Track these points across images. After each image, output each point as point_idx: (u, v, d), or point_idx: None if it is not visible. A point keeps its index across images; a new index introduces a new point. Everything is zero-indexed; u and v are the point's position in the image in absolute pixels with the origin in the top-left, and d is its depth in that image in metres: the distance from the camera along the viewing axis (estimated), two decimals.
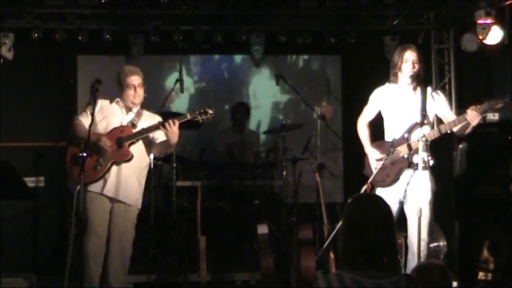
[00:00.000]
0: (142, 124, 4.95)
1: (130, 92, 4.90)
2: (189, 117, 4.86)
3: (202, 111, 4.87)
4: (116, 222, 4.87)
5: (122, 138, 4.83)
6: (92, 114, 4.68)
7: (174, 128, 4.75)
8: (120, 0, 7.31)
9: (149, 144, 5.00)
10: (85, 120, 4.90)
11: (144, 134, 4.88)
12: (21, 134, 7.34)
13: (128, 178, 4.88)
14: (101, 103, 4.97)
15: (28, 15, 7.33)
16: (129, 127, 4.90)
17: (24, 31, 7.37)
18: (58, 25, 7.41)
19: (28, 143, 6.94)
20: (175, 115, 6.71)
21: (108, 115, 4.92)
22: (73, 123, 4.95)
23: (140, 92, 4.95)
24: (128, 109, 4.99)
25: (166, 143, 4.93)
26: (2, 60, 7.34)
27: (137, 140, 4.89)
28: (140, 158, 4.96)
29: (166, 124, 4.76)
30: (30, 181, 6.29)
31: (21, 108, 7.65)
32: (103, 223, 4.83)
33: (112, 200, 4.85)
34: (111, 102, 5.00)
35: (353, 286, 2.55)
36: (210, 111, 4.88)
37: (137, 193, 4.97)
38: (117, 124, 4.91)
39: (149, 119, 5.03)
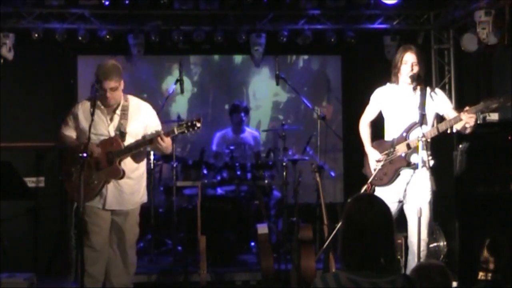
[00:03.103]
0: (131, 126, 4.78)
1: (105, 95, 4.68)
2: (176, 132, 4.70)
3: (189, 124, 4.68)
4: (118, 229, 4.81)
5: (112, 153, 4.68)
6: (92, 114, 4.64)
7: (166, 142, 4.70)
8: (120, 0, 7.32)
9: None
10: (69, 132, 4.81)
11: (133, 151, 4.73)
12: (21, 134, 7.34)
13: (127, 185, 4.80)
14: (82, 108, 4.81)
15: (28, 15, 7.34)
16: (118, 140, 4.71)
17: (24, 31, 7.38)
18: (58, 25, 7.42)
19: (28, 143, 6.93)
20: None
21: (93, 123, 4.68)
22: (58, 137, 4.85)
23: (115, 94, 4.71)
24: (111, 110, 4.77)
25: (157, 150, 4.86)
26: (2, 60, 7.35)
27: (127, 156, 4.76)
28: (132, 160, 4.83)
29: (157, 141, 4.64)
30: (30, 181, 6.28)
31: (21, 108, 7.65)
32: (103, 237, 4.77)
33: (114, 210, 4.80)
34: (91, 105, 4.76)
35: (349, 285, 2.56)
36: (198, 124, 4.66)
37: (139, 192, 4.91)
38: (103, 132, 4.72)
39: (136, 111, 4.83)
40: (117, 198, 4.77)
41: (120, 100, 4.79)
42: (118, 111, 4.78)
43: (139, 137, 4.78)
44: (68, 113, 4.88)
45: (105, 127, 4.74)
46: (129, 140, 4.77)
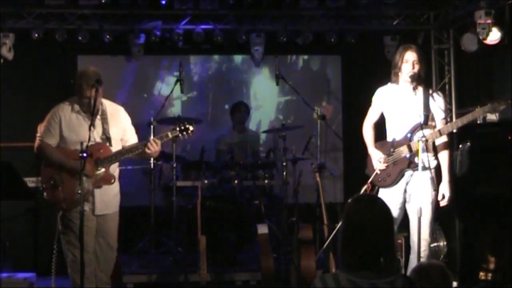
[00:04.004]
0: (113, 131, 4.79)
1: (90, 102, 4.65)
2: (170, 136, 4.76)
3: (182, 127, 4.76)
4: (103, 231, 4.81)
5: (100, 159, 4.68)
6: (92, 114, 4.64)
7: (157, 148, 4.71)
8: (120, 0, 7.32)
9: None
10: (51, 141, 4.73)
11: (124, 155, 4.75)
12: (21, 134, 7.32)
13: (111, 190, 4.82)
14: (64, 115, 4.74)
15: (28, 15, 7.34)
16: (105, 146, 4.72)
17: (24, 31, 7.38)
18: (58, 25, 7.42)
19: (28, 143, 6.90)
20: (170, 120, 6.74)
21: (75, 129, 4.69)
22: (40, 147, 4.75)
23: (99, 100, 4.71)
24: (92, 114, 4.72)
25: (144, 155, 4.82)
26: (2, 60, 7.35)
27: (116, 161, 4.80)
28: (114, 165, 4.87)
29: (149, 145, 4.68)
30: (30, 181, 6.27)
31: (21, 108, 7.65)
32: (92, 239, 4.76)
33: (99, 215, 4.80)
34: (72, 109, 4.75)
35: (348, 286, 2.56)
36: (191, 128, 4.77)
37: (119, 193, 4.93)
38: (87, 138, 4.55)
39: (115, 116, 4.84)
40: (105, 203, 4.78)
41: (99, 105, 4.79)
42: (99, 116, 4.77)
43: (119, 141, 4.82)
44: (48, 119, 4.79)
45: (89, 133, 4.66)
46: (113, 144, 4.78)
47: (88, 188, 4.67)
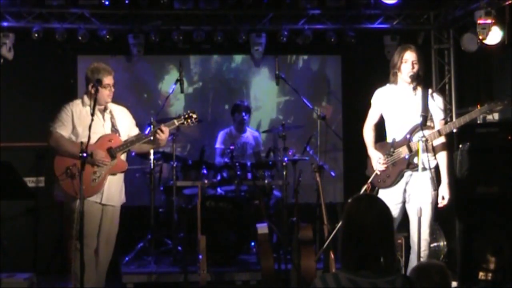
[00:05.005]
0: (119, 122, 5.04)
1: (106, 92, 4.92)
2: (176, 123, 5.06)
3: (186, 116, 5.08)
4: (105, 226, 4.93)
5: (113, 148, 4.89)
6: (92, 114, 4.68)
7: (166, 134, 4.95)
8: (120, 0, 7.33)
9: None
10: (64, 132, 4.87)
11: (135, 144, 4.98)
12: (21, 134, 7.34)
13: (117, 181, 4.98)
14: (75, 109, 4.94)
15: (28, 15, 7.34)
16: (116, 136, 4.96)
17: (24, 31, 7.39)
18: (58, 25, 7.42)
19: (28, 143, 6.93)
20: (170, 120, 6.79)
21: (86, 123, 4.78)
22: (54, 137, 4.87)
23: (113, 89, 5.00)
24: (102, 109, 4.98)
25: (153, 143, 5.05)
26: (2, 60, 7.35)
27: (126, 150, 5.00)
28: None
29: (159, 131, 4.91)
30: (30, 181, 6.28)
31: (21, 108, 7.65)
32: (94, 232, 4.86)
33: (105, 205, 4.92)
34: (83, 104, 4.97)
35: (349, 285, 2.56)
36: (194, 116, 5.09)
37: (123, 191, 5.09)
38: (99, 130, 4.88)
39: (121, 115, 5.10)
40: (112, 193, 4.94)
41: None
42: (107, 111, 5.01)
43: (126, 135, 5.04)
44: (60, 112, 4.95)
45: (100, 126, 4.92)
46: (122, 137, 5.01)
47: (103, 176, 4.85)
